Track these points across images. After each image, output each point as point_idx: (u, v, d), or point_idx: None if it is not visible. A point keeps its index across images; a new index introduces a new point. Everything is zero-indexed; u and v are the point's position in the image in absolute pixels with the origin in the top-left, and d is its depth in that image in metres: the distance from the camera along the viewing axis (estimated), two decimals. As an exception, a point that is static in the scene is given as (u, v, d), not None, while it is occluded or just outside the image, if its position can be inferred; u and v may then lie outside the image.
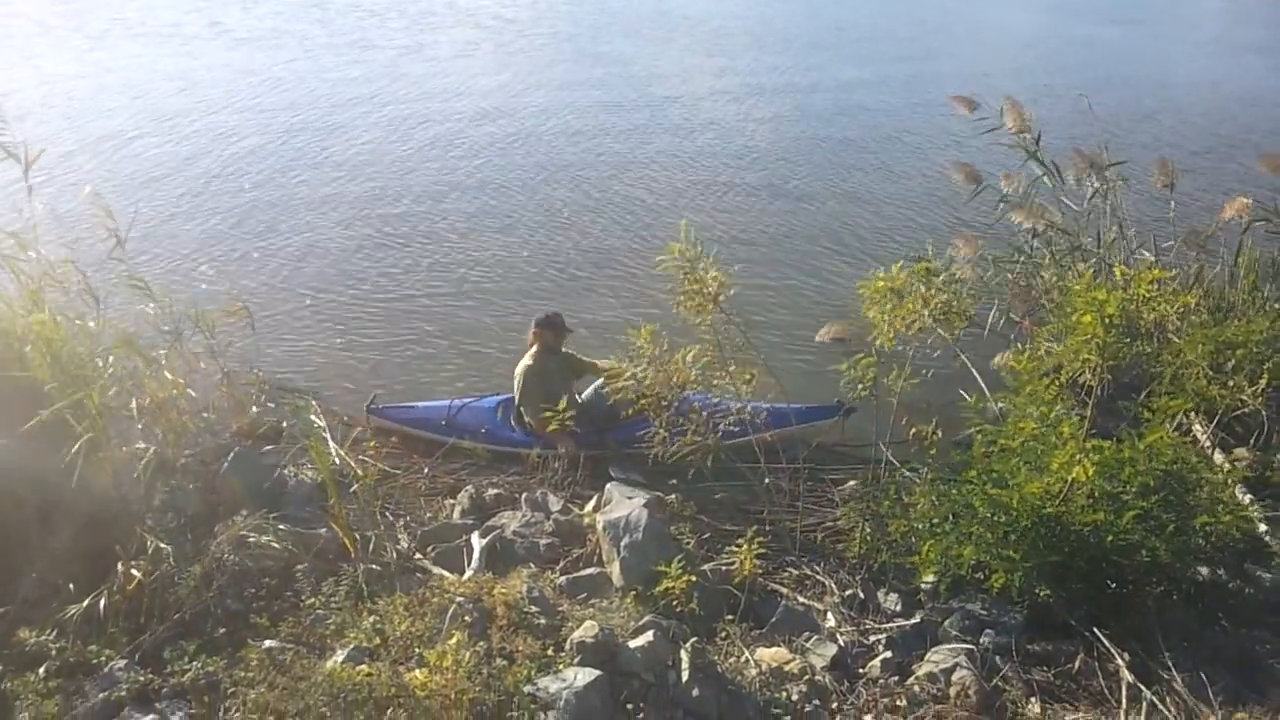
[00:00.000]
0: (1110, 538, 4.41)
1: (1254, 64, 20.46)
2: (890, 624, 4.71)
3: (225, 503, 5.40)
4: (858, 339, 5.74)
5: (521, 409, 6.63)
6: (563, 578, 4.91)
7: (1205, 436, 6.15)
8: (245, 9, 22.01)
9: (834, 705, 4.12)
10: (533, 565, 5.00)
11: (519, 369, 6.63)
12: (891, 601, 4.91)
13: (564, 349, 6.80)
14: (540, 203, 11.57)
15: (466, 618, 4.20)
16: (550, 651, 4.09)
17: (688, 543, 5.10)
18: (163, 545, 4.60)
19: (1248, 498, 5.53)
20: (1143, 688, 4.09)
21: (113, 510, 4.98)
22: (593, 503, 5.65)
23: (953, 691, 4.13)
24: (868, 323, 5.32)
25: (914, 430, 5.23)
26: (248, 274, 9.51)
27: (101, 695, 3.91)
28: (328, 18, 21.57)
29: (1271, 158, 7.38)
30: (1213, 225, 7.55)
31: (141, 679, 3.99)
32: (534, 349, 6.66)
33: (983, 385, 5.92)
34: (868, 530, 5.19)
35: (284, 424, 6.57)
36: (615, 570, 4.84)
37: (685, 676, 3.96)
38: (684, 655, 4.04)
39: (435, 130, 14.14)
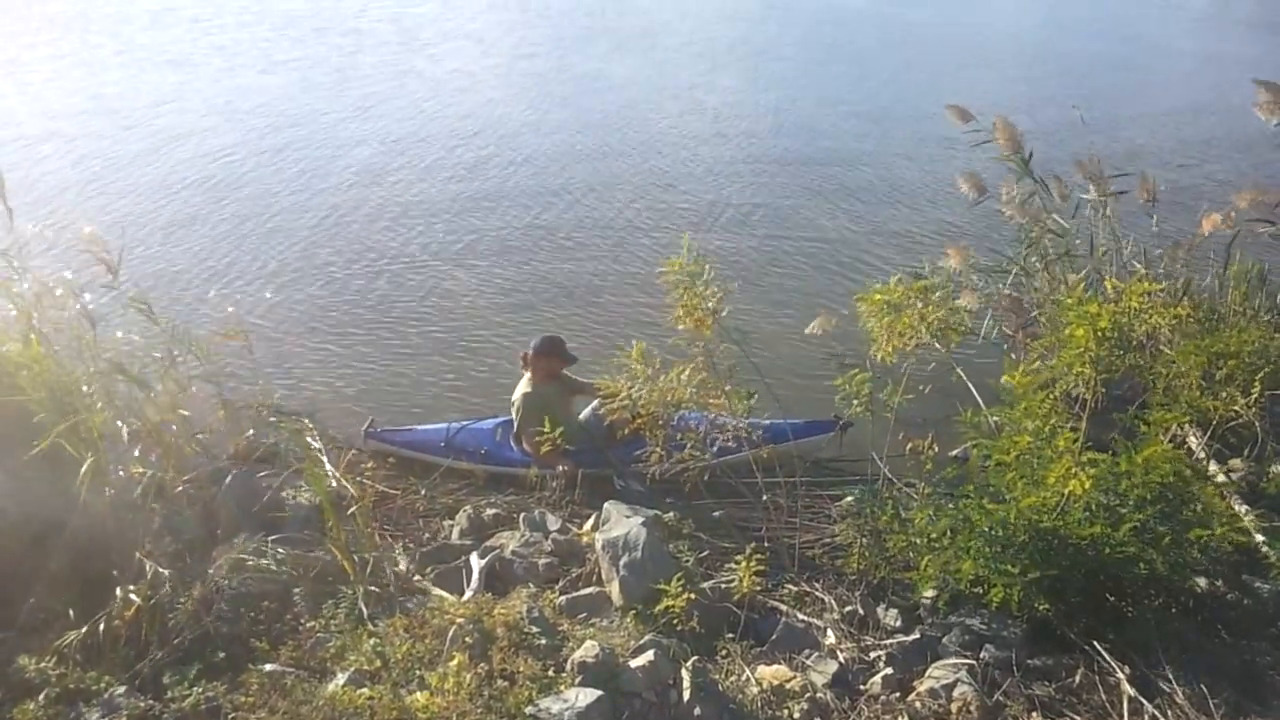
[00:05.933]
0: (1108, 550, 4.42)
1: (1241, 76, 20.66)
2: (890, 640, 4.70)
3: (223, 526, 5.41)
4: (852, 353, 5.76)
5: (522, 436, 6.61)
6: (562, 597, 4.90)
7: (1200, 447, 6.18)
8: (231, 28, 21.82)
9: (835, 722, 4.12)
10: (532, 585, 4.99)
11: (517, 395, 6.61)
12: (891, 617, 4.90)
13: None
14: (534, 223, 11.57)
15: (467, 639, 4.19)
16: (551, 672, 4.07)
17: (687, 561, 5.08)
18: (161, 570, 4.59)
19: (1243, 508, 5.55)
20: (1144, 701, 4.09)
21: (110, 535, 4.98)
22: (591, 521, 5.64)
23: (954, 707, 4.12)
24: (862, 333, 5.34)
25: (910, 445, 5.24)
26: (242, 298, 9.48)
27: (102, 722, 3.89)
28: (305, 36, 21.37)
29: (1246, 194, 7.42)
30: (1194, 237, 7.62)
31: (142, 705, 3.97)
32: (530, 375, 6.63)
33: (978, 398, 5.94)
34: (866, 546, 5.19)
35: (280, 446, 6.55)
36: (614, 589, 4.84)
37: (687, 695, 3.96)
38: (685, 674, 4.03)
39: (423, 150, 14.09)
